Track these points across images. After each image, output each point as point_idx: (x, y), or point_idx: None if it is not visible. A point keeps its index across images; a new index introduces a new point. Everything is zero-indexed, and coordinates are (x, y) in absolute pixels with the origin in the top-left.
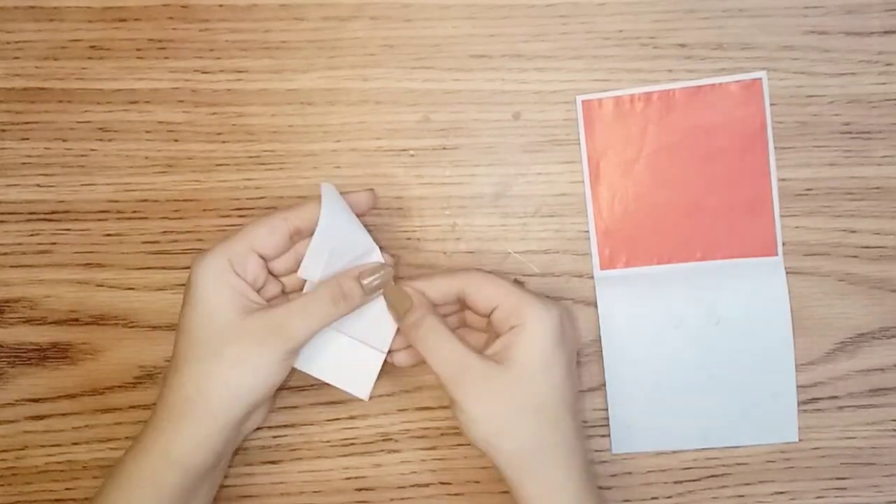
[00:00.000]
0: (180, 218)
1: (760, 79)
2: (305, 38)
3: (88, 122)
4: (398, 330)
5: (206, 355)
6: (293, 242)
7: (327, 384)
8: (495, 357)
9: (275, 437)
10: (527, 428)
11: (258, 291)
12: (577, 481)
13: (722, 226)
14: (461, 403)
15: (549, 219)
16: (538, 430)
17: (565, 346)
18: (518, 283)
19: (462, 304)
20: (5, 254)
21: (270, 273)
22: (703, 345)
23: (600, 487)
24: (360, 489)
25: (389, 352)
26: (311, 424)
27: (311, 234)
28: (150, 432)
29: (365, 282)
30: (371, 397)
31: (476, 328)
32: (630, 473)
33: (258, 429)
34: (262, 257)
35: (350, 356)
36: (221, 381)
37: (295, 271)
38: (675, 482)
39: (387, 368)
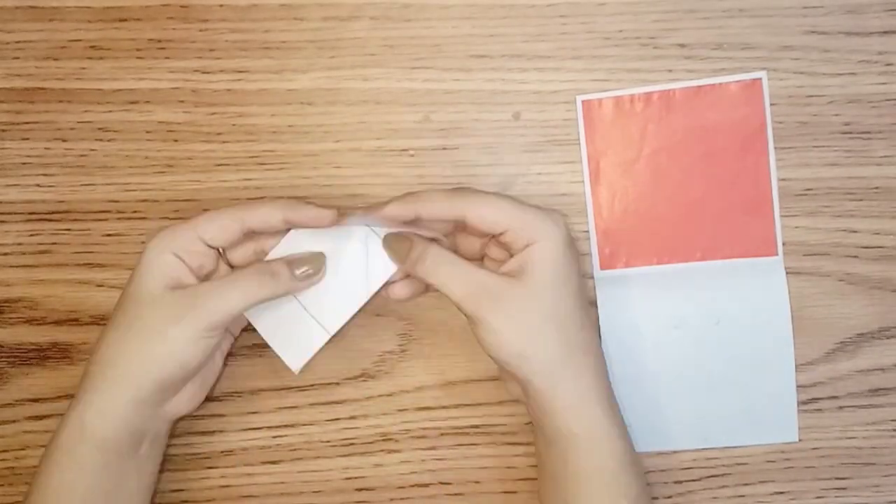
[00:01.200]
0: (180, 218)
1: (760, 79)
2: (306, 38)
3: (88, 122)
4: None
5: (123, 324)
6: (247, 238)
7: (325, 386)
8: (512, 274)
9: (275, 437)
10: (556, 336)
11: (207, 277)
12: (604, 387)
13: (722, 226)
14: (486, 321)
15: None
16: (567, 338)
17: (575, 255)
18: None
19: (455, 228)
20: (5, 254)
21: (228, 264)
22: (703, 345)
23: None
24: (360, 489)
25: (387, 284)
26: (312, 424)
27: (267, 234)
28: (70, 405)
29: (298, 271)
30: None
31: (469, 253)
32: None
33: (258, 429)
34: (210, 245)
35: (297, 325)
36: (131, 349)
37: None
38: (675, 482)
39: (386, 368)
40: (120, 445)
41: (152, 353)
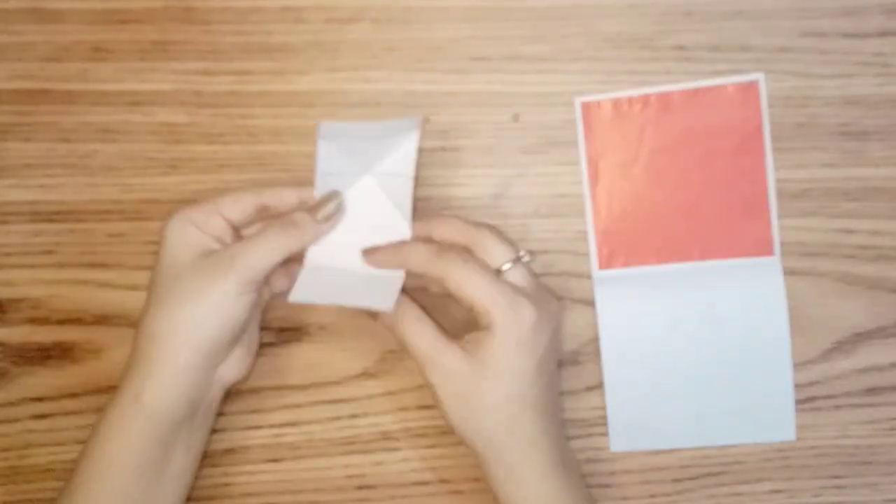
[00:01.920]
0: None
1: (758, 80)
2: (307, 40)
3: (91, 123)
4: None
5: (164, 296)
6: (260, 216)
7: (326, 385)
8: (468, 348)
9: (276, 435)
10: (483, 424)
11: None
12: (528, 474)
13: (720, 226)
14: (434, 390)
15: (549, 219)
16: (494, 428)
17: (532, 352)
18: (530, 253)
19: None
20: (9, 254)
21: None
22: (701, 344)
23: (599, 486)
24: (360, 487)
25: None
26: (313, 423)
27: (278, 213)
28: (121, 382)
29: (319, 215)
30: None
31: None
32: (628, 472)
33: (260, 427)
34: (228, 221)
35: (367, 279)
36: (179, 317)
37: None
38: (673, 480)
39: (387, 367)
40: (175, 415)
41: (198, 316)
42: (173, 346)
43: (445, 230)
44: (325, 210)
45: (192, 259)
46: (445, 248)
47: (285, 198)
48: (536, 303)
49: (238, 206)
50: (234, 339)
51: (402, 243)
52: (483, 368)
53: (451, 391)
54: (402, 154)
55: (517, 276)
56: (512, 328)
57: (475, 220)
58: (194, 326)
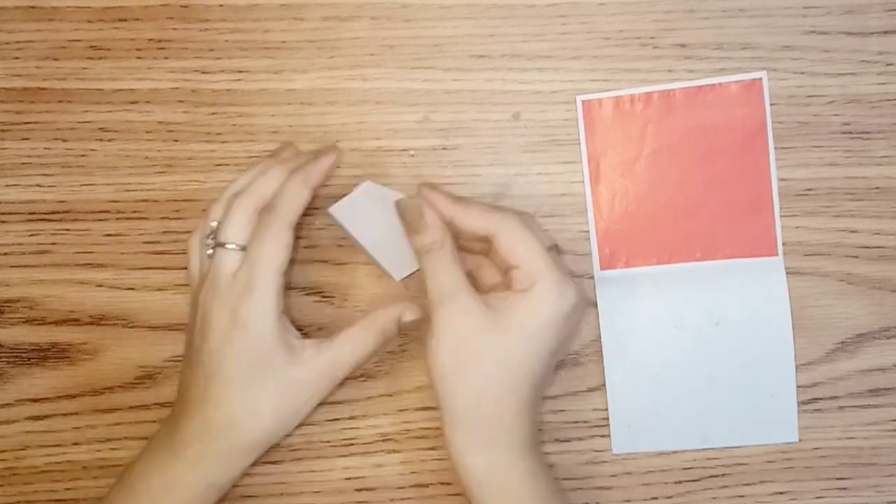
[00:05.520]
0: (180, 218)
1: (760, 79)
2: (305, 38)
3: (88, 122)
4: None
5: (255, 385)
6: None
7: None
8: (491, 302)
9: None
10: (482, 376)
11: None
12: (509, 447)
13: (722, 226)
14: (435, 325)
15: (550, 219)
16: (493, 390)
17: (559, 335)
18: (556, 248)
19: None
20: (5, 254)
21: None
22: (703, 345)
23: (600, 487)
24: (360, 489)
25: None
26: (312, 424)
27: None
28: (181, 451)
29: (403, 321)
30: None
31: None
32: (630, 473)
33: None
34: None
35: (397, 243)
36: (267, 408)
37: None
38: (676, 482)
39: (386, 368)
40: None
41: (291, 414)
42: (256, 435)
43: (466, 223)
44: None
45: (286, 351)
46: (502, 206)
47: (302, 205)
48: (579, 291)
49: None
50: None
51: (460, 197)
52: (505, 323)
53: (459, 330)
54: None
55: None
56: (552, 303)
57: (493, 207)
58: (284, 420)
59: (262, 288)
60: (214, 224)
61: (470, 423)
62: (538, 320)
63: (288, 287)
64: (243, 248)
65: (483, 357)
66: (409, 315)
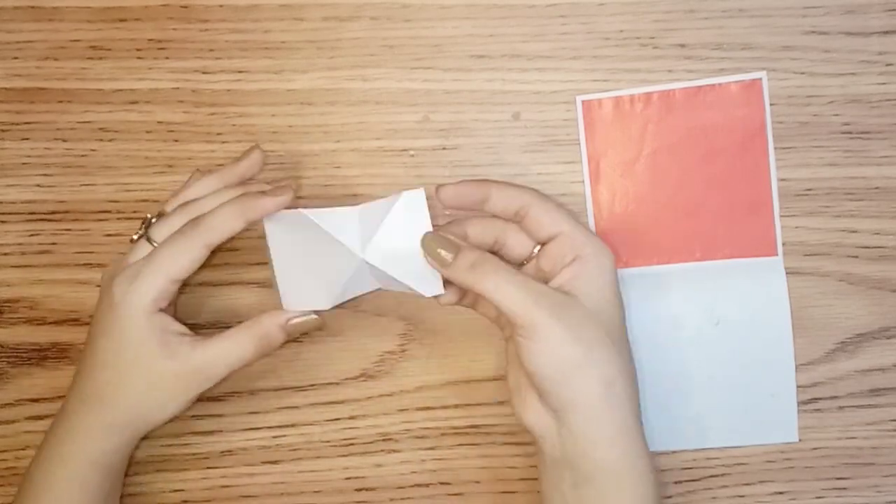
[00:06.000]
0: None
1: (760, 79)
2: (305, 38)
3: (88, 122)
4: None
5: (122, 366)
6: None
7: (325, 386)
8: (564, 289)
9: (275, 437)
10: (609, 358)
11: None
12: (639, 419)
13: (722, 226)
14: (542, 327)
15: None
16: (618, 360)
17: (616, 282)
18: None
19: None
20: (5, 254)
21: None
22: (703, 345)
23: None
24: (360, 489)
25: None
26: (312, 424)
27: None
28: (62, 423)
29: (290, 325)
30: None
31: (512, 260)
32: None
33: (258, 429)
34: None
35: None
36: (144, 408)
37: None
38: (675, 482)
39: (387, 368)
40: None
41: (162, 414)
42: (117, 417)
43: (502, 193)
44: (297, 326)
45: (159, 357)
46: (517, 184)
47: (231, 230)
48: None
49: (194, 266)
50: None
51: (484, 179)
52: (592, 301)
53: (570, 324)
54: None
55: None
56: (606, 260)
57: (513, 184)
58: (155, 416)
59: (148, 283)
60: (153, 219)
61: (599, 406)
62: (606, 281)
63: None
64: None
65: (602, 340)
66: (296, 321)
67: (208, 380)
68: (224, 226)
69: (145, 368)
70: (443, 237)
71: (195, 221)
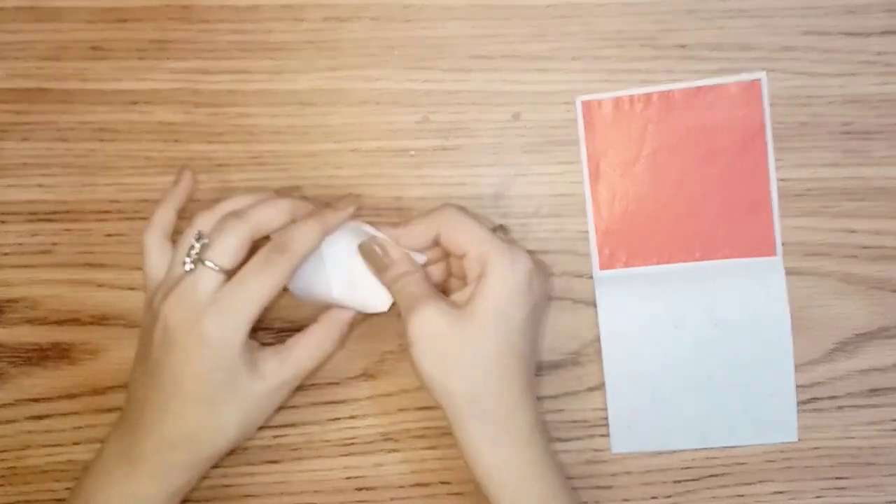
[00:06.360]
0: (181, 218)
1: (760, 79)
2: (306, 38)
3: (89, 122)
4: None
5: (217, 402)
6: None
7: (326, 386)
8: (456, 299)
9: (275, 436)
10: (472, 374)
11: None
12: (516, 434)
13: (721, 226)
14: (415, 336)
15: (549, 219)
16: (483, 379)
17: (527, 300)
18: (502, 228)
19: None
20: (6, 254)
21: None
22: (703, 345)
23: (599, 487)
24: (360, 489)
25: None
26: (312, 424)
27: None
28: (139, 465)
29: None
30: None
31: (460, 277)
32: (629, 473)
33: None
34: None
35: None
36: (236, 438)
37: None
38: (675, 482)
39: (387, 368)
40: None
41: (249, 426)
42: (216, 449)
43: (413, 238)
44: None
45: (247, 373)
46: (446, 205)
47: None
48: (533, 257)
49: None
50: None
51: (397, 225)
52: (472, 312)
53: (434, 337)
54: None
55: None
56: (508, 274)
57: (431, 210)
58: (242, 431)
59: (243, 315)
60: (203, 240)
61: (473, 416)
62: (502, 296)
63: None
64: (224, 272)
65: (463, 352)
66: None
67: (294, 387)
68: (308, 245)
69: (239, 398)
70: (373, 249)
71: (280, 247)
